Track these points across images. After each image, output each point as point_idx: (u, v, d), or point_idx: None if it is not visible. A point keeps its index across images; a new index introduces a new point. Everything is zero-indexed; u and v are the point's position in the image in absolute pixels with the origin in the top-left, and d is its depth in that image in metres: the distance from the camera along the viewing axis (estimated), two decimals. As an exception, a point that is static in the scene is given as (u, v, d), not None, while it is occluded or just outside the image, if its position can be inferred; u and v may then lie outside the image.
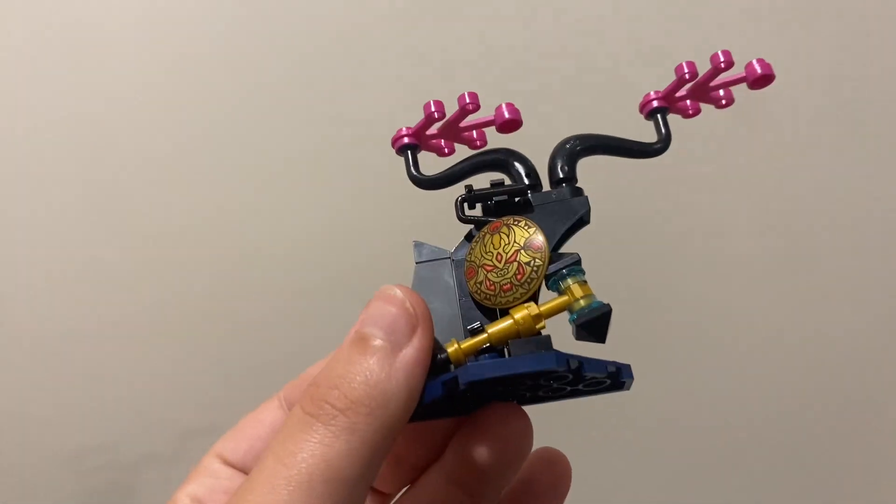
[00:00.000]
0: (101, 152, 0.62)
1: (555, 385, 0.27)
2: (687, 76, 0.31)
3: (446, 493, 0.28)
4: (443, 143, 0.33)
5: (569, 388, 0.27)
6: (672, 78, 0.32)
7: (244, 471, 0.30)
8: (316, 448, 0.23)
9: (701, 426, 0.67)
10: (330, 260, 0.62)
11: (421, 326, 0.26)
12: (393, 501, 0.31)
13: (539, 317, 0.26)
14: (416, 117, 0.31)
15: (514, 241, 0.28)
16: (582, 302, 0.27)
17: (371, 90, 0.61)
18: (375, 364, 0.24)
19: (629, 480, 0.67)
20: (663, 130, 0.32)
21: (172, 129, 0.62)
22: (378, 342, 0.25)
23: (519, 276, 0.27)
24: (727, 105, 0.34)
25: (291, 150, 0.62)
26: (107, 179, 0.61)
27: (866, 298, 0.65)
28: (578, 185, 0.31)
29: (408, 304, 0.26)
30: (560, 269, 0.27)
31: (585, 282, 0.27)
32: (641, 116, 0.33)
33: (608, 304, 0.26)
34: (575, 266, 0.27)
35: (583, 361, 0.25)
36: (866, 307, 0.66)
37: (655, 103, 0.32)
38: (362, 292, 0.61)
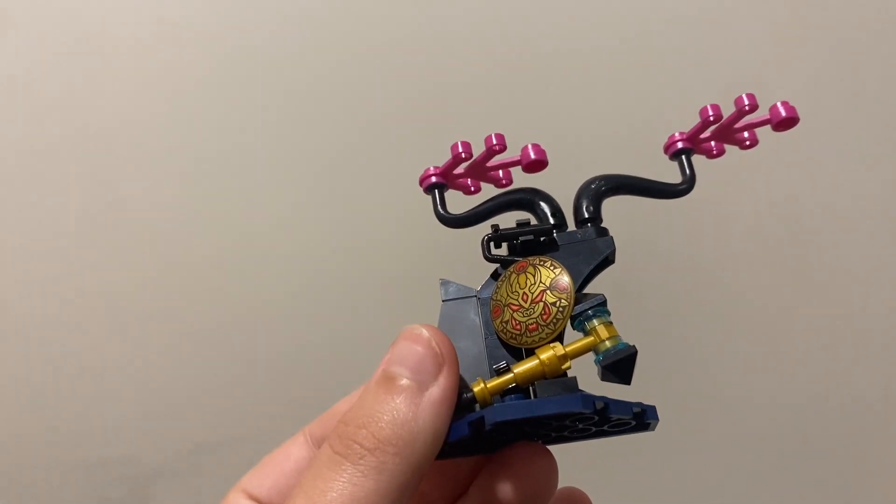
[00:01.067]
0: (110, 157, 0.61)
1: (580, 426, 0.27)
2: (711, 118, 0.32)
3: None
4: (469, 182, 0.34)
5: (594, 429, 0.28)
6: (696, 119, 0.32)
7: None
8: (345, 487, 0.23)
9: (730, 466, 0.66)
10: (350, 284, 0.63)
11: (447, 366, 0.26)
12: None
13: (565, 357, 0.27)
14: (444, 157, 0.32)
15: (541, 281, 0.28)
16: (608, 343, 0.27)
17: (405, 122, 0.62)
18: (402, 404, 0.25)
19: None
20: (688, 172, 0.32)
21: (195, 136, 0.62)
22: (405, 381, 0.25)
23: (545, 317, 0.28)
24: (751, 146, 0.34)
25: (322, 182, 0.63)
26: (124, 187, 0.62)
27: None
28: (604, 224, 0.31)
29: (434, 344, 0.26)
30: (585, 309, 0.28)
31: (611, 322, 0.27)
32: (666, 157, 0.33)
33: (634, 346, 0.27)
34: (600, 307, 0.28)
35: (608, 403, 0.25)
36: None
37: (680, 144, 0.33)
38: (379, 317, 0.62)
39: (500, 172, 0.34)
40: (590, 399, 0.25)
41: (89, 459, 0.63)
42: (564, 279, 0.28)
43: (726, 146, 0.34)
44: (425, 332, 0.27)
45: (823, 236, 0.64)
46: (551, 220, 0.31)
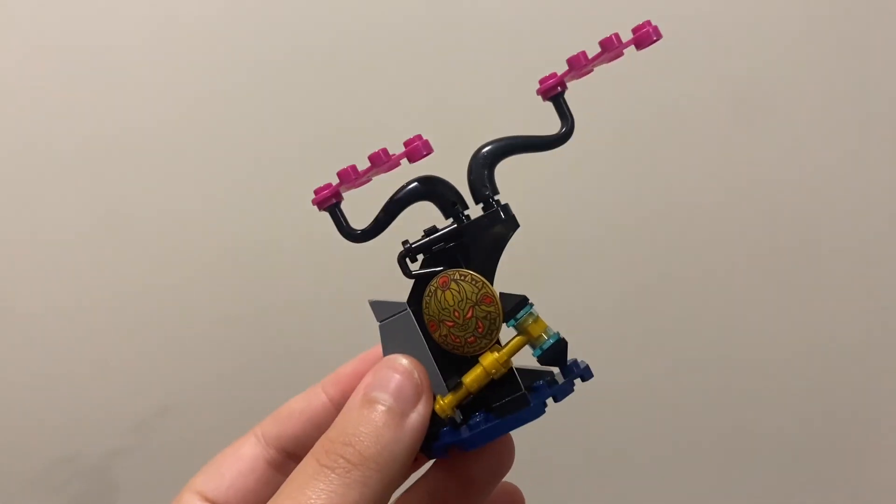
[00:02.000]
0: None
1: None
2: (584, 66, 0.31)
3: None
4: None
5: None
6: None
7: None
8: (332, 498, 0.27)
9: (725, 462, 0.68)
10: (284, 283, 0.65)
11: (425, 395, 0.30)
12: None
13: (507, 362, 0.30)
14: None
15: (467, 298, 0.30)
16: (543, 336, 0.30)
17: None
18: (385, 428, 0.28)
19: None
20: (567, 114, 0.32)
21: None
22: (388, 407, 0.28)
23: (480, 330, 0.30)
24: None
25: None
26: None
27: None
28: (499, 196, 0.32)
29: (416, 375, 0.29)
30: (514, 313, 0.30)
31: (538, 318, 0.30)
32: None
33: (564, 338, 0.30)
34: (527, 307, 0.30)
35: (557, 393, 0.30)
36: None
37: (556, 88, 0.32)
38: (324, 322, 0.66)
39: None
40: (541, 405, 0.29)
41: (38, 466, 0.64)
42: (488, 291, 0.30)
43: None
44: (406, 363, 0.30)
45: (822, 231, 0.66)
46: (453, 209, 0.31)
